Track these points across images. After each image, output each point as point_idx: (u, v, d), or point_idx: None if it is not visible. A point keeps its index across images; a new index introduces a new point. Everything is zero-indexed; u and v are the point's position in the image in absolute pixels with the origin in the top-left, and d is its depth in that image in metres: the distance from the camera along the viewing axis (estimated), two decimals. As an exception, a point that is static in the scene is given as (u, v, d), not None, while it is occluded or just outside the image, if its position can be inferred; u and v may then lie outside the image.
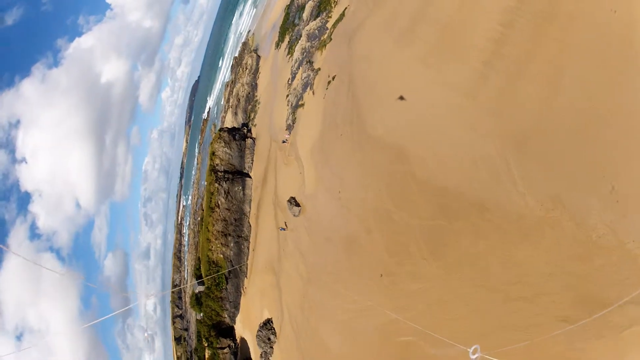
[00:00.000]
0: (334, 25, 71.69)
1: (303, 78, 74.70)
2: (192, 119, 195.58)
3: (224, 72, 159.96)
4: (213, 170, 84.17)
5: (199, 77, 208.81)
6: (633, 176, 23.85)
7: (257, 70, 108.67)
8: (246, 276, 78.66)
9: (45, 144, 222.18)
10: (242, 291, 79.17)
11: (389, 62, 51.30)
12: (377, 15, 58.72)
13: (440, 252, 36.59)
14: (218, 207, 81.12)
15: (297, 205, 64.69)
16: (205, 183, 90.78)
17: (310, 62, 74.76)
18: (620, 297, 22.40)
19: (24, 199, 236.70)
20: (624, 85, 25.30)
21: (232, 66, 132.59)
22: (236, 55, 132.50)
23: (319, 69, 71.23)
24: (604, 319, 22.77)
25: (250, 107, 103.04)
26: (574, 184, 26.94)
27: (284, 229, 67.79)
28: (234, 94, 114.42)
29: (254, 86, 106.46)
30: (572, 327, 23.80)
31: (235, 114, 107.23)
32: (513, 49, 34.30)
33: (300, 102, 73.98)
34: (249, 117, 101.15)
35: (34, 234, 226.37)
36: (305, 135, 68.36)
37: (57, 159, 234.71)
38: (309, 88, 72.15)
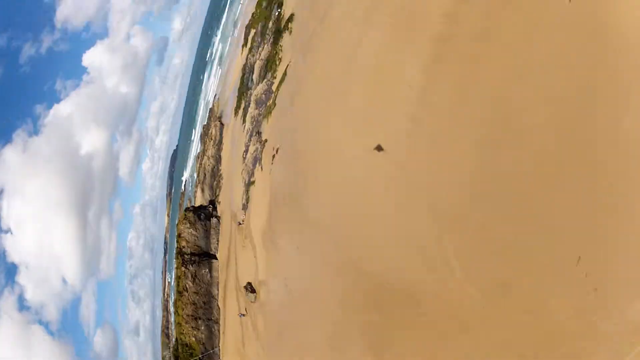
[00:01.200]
0: (278, 88, 63.62)
1: (253, 152, 66.92)
2: (173, 190, 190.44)
3: (196, 143, 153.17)
4: (180, 253, 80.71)
5: (177, 146, 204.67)
6: (602, 242, 18.97)
7: (220, 141, 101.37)
8: (219, 358, 74.51)
9: (29, 215, 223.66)
10: None
11: (322, 130, 47.46)
12: (312, 72, 54.18)
13: (378, 347, 33.03)
14: (186, 290, 77.82)
15: (253, 291, 60.89)
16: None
17: (259, 133, 66.86)
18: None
19: (11, 270, 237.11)
20: (592, 117, 20.15)
21: (201, 136, 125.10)
22: (205, 123, 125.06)
23: (266, 140, 63.29)
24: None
25: (215, 182, 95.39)
26: (526, 265, 21.91)
27: (244, 315, 63.67)
28: (202, 167, 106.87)
29: (218, 159, 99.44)
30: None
31: (203, 190, 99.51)
32: (441, 92, 29.67)
33: (252, 179, 66.43)
34: (215, 193, 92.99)
35: (22, 305, 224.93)
36: (257, 216, 62.82)
37: (41, 232, 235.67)
38: (258, 163, 63.97)
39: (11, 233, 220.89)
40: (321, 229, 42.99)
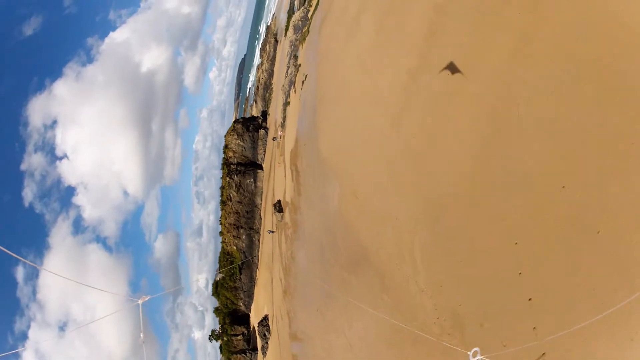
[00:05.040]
0: (312, 16, 61.95)
1: (289, 74, 66.25)
2: (240, 95, 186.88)
3: (257, 54, 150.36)
4: (226, 163, 78.02)
5: (245, 54, 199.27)
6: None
7: (274, 56, 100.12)
8: (257, 268, 74.34)
9: (86, 138, 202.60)
10: (255, 282, 75.13)
11: (337, 64, 44.34)
12: (335, 4, 50.88)
13: (350, 307, 30.80)
14: (230, 200, 75.82)
15: (280, 210, 58.89)
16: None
17: (296, 57, 66.09)
18: None
19: (68, 194, 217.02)
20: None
21: (260, 50, 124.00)
22: (263, 38, 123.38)
23: (300, 65, 62.60)
24: None
25: (267, 94, 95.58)
26: (487, 305, 17.98)
27: (272, 232, 62.28)
28: (258, 79, 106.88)
29: (270, 73, 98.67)
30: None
31: (256, 101, 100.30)
32: (446, 50, 23.77)
33: (288, 100, 66.06)
34: (267, 105, 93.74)
35: (78, 227, 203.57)
36: (289, 137, 61.79)
37: (100, 151, 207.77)
38: (292, 86, 63.84)
39: (67, 158, 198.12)
40: (328, 169, 40.94)
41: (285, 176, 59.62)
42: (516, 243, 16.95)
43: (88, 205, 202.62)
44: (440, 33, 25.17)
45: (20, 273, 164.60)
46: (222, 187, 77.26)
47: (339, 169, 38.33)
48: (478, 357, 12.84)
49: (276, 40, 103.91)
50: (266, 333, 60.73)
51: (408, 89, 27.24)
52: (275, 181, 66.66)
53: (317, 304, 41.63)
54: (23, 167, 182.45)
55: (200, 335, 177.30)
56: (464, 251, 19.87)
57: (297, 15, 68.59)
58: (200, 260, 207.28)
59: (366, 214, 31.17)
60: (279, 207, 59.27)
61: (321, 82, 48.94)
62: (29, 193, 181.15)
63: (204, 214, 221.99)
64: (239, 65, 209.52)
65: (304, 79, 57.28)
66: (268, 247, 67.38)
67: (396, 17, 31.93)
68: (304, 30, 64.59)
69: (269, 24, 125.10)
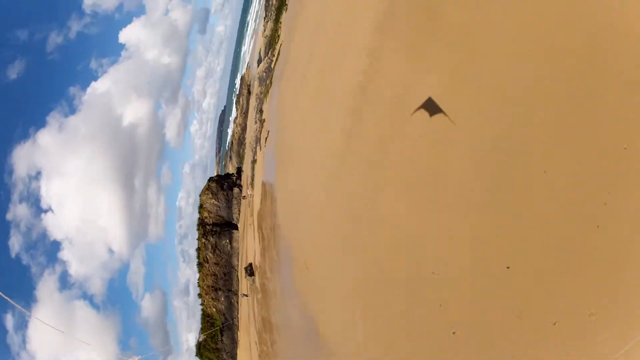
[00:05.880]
0: (274, 67, 55.92)
1: (255, 130, 59.69)
2: (222, 149, 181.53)
3: (234, 107, 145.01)
4: (201, 224, 72.29)
5: (224, 106, 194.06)
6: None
7: (247, 109, 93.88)
8: (238, 329, 68.10)
9: (71, 192, 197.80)
10: (237, 343, 68.61)
11: (289, 122, 40.60)
12: (292, 55, 46.15)
13: None
14: (207, 262, 70.26)
15: (252, 274, 53.94)
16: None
17: (261, 111, 59.61)
18: None
19: (54, 248, 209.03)
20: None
21: (235, 102, 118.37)
22: (238, 90, 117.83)
23: (264, 120, 56.03)
24: None
25: (241, 150, 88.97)
26: None
27: (246, 296, 57.63)
28: (233, 134, 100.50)
29: (244, 127, 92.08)
30: None
31: (231, 157, 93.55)
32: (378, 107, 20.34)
33: (255, 157, 59.32)
34: (242, 161, 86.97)
35: (64, 283, 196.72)
36: (256, 197, 55.98)
37: (85, 206, 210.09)
38: (258, 142, 57.17)
39: (52, 211, 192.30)
40: (284, 235, 37.55)
41: (254, 238, 53.93)
42: (454, 333, 13.58)
43: (74, 261, 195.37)
44: (372, 90, 21.45)
45: (9, 321, 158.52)
46: (198, 249, 71.78)
47: (292, 236, 35.33)
48: None
49: (249, 92, 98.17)
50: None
51: (342, 154, 24.12)
52: (247, 243, 61.08)
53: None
54: (9, 216, 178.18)
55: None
56: (402, 341, 16.88)
57: (261, 67, 62.78)
58: (188, 319, 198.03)
59: (314, 287, 28.60)
60: (250, 270, 54.57)
61: (278, 141, 43.56)
62: (15, 243, 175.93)
63: (190, 272, 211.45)
64: (219, 117, 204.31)
65: (267, 135, 50.82)
66: (245, 309, 61.92)
67: (332, 74, 28.45)
68: (267, 83, 58.47)
69: (243, 74, 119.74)
